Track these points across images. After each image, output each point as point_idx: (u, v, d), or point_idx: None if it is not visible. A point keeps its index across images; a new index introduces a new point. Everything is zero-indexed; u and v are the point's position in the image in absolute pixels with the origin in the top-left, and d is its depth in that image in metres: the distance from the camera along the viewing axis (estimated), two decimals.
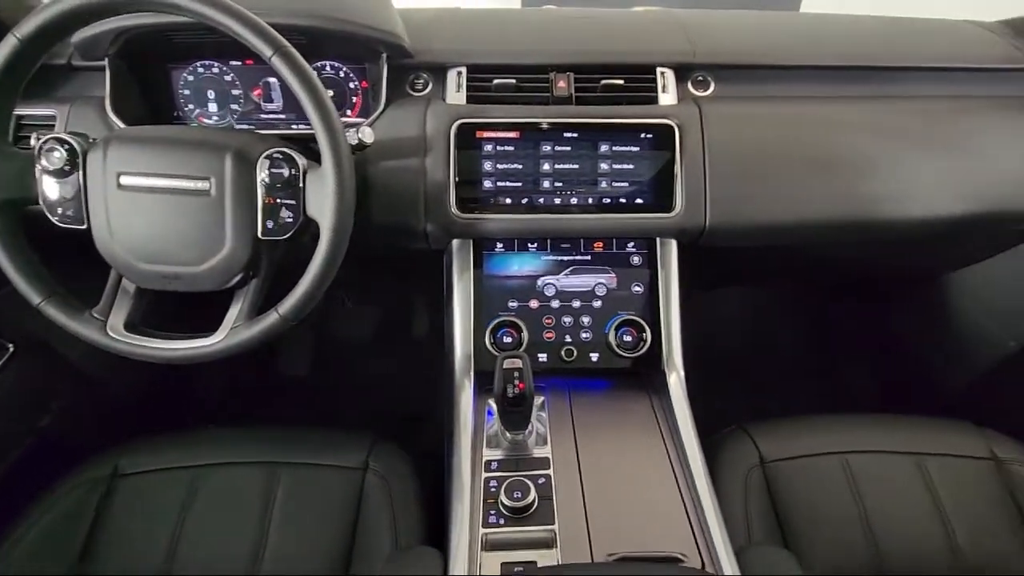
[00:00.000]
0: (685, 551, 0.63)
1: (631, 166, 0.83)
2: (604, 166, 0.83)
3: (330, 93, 0.86)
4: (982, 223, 0.89)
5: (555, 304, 0.85)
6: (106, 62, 0.81)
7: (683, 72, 0.89)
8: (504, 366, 0.68)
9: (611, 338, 0.83)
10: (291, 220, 0.67)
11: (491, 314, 0.83)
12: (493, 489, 0.69)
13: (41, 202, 0.67)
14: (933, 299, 1.22)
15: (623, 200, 0.84)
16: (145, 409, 1.23)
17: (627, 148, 0.83)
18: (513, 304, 0.84)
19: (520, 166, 0.82)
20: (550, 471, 0.72)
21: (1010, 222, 0.91)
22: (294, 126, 0.88)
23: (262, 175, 0.66)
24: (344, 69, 0.87)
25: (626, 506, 0.69)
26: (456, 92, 0.84)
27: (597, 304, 0.85)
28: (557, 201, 0.83)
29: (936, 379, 1.24)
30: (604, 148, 0.83)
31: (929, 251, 1.08)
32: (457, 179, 0.81)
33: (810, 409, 0.92)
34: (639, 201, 0.84)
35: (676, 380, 0.82)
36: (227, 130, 0.87)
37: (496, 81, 0.84)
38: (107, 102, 0.80)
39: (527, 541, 0.65)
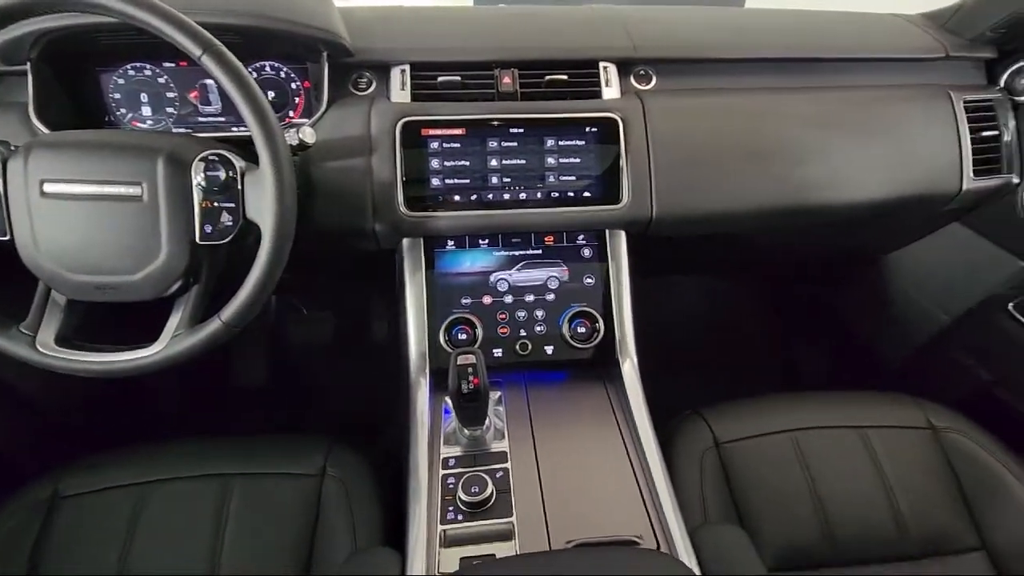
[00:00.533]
0: (641, 534, 0.65)
1: (578, 160, 0.84)
2: (551, 160, 0.84)
3: (271, 94, 0.86)
4: (909, 205, 0.94)
5: (508, 299, 0.85)
6: (28, 66, 0.77)
7: (625, 67, 0.90)
8: (458, 362, 0.67)
9: (565, 330, 0.84)
10: (231, 224, 0.65)
11: (445, 312, 0.83)
12: (451, 486, 0.69)
13: None
14: (874, 280, 1.27)
15: (571, 194, 0.85)
16: (89, 427, 1.18)
17: (573, 142, 0.84)
18: (466, 301, 0.84)
19: (467, 163, 0.83)
20: (508, 464, 0.72)
21: (933, 203, 0.96)
22: (234, 128, 0.86)
23: (198, 178, 0.64)
24: (285, 69, 0.86)
25: (583, 494, 0.70)
26: (400, 90, 0.83)
27: (550, 297, 0.86)
28: (506, 197, 0.84)
29: (879, 355, 1.30)
30: (550, 143, 0.84)
31: (864, 234, 1.13)
32: (404, 178, 0.81)
33: (764, 390, 0.96)
34: (587, 194, 0.85)
35: (630, 368, 0.84)
36: (158, 133, 0.84)
37: (441, 78, 0.84)
38: (31, 108, 0.77)
39: (485, 535, 0.65)
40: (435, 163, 0.82)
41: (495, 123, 0.83)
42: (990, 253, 1.03)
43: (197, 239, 0.65)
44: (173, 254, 0.64)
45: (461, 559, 0.62)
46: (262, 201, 0.63)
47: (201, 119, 0.86)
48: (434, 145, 0.82)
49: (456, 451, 0.74)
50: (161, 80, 0.84)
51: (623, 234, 0.88)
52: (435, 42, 0.88)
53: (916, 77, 0.98)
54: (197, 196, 0.64)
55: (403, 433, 0.80)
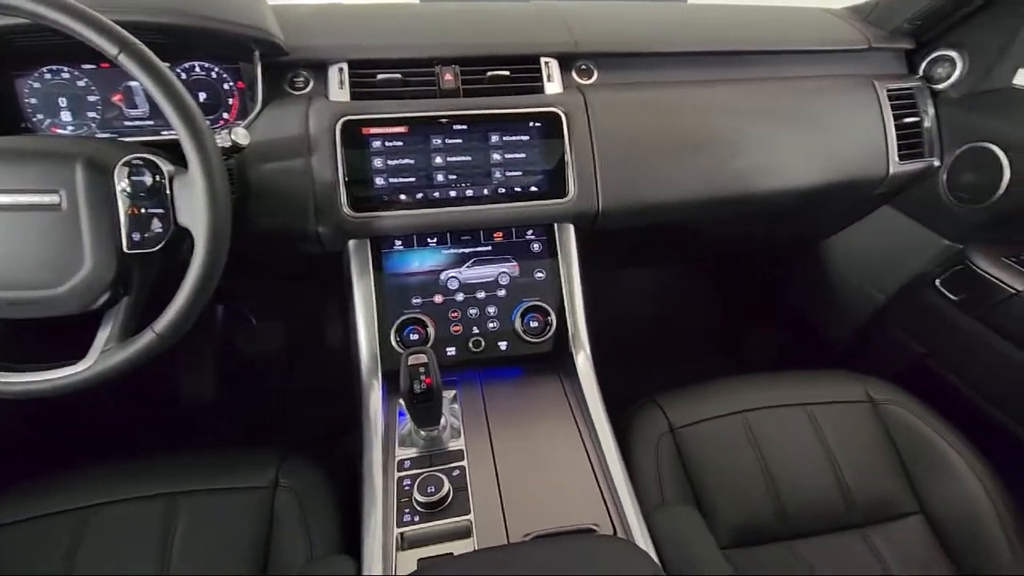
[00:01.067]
0: (598, 521, 0.66)
1: (523, 155, 0.85)
2: (496, 156, 0.84)
3: (203, 96, 0.83)
4: (841, 190, 0.98)
5: (460, 297, 0.85)
6: None
7: (567, 62, 0.91)
8: (409, 363, 0.67)
9: (518, 325, 0.84)
10: (161, 230, 0.62)
11: (395, 312, 0.82)
12: (407, 487, 0.68)
13: None
14: (814, 264, 1.33)
15: (518, 189, 0.85)
16: (25, 450, 1.11)
17: (517, 137, 0.84)
18: (417, 301, 0.83)
19: (412, 161, 0.82)
20: (464, 462, 0.72)
21: (863, 187, 1.01)
22: (164, 132, 0.82)
23: (122, 184, 0.61)
24: (216, 70, 0.83)
25: (540, 487, 0.70)
26: (339, 89, 0.82)
27: (501, 293, 0.86)
28: (452, 194, 0.83)
29: (824, 335, 1.36)
30: (495, 139, 0.84)
31: (802, 219, 1.18)
32: (347, 178, 0.79)
33: (717, 375, 0.98)
34: (534, 189, 0.85)
35: (584, 359, 0.85)
36: (77, 138, 0.80)
37: (381, 76, 0.83)
38: None
39: (443, 534, 0.64)
40: (378, 162, 0.81)
41: (439, 120, 0.82)
42: (918, 234, 1.09)
43: (125, 248, 0.61)
44: (99, 264, 0.61)
45: (419, 560, 0.62)
46: (193, 206, 0.60)
47: (127, 123, 0.82)
48: (376, 144, 0.80)
49: (412, 452, 0.74)
50: (81, 83, 0.80)
51: (572, 227, 0.89)
52: (374, 39, 0.87)
53: (842, 68, 1.03)
54: (123, 203, 0.61)
55: (358, 438, 0.79)
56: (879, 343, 1.20)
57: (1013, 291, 0.92)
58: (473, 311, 0.85)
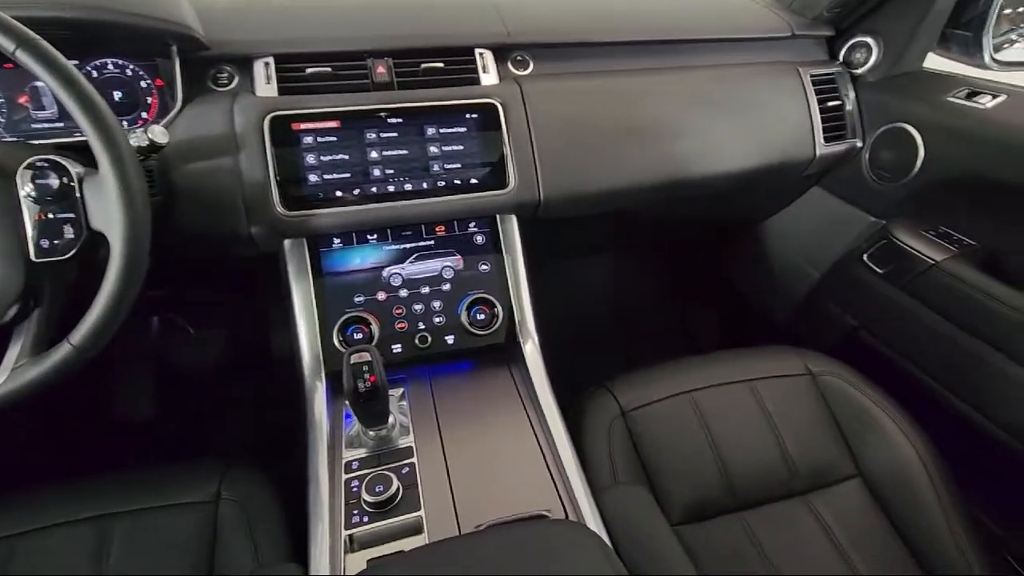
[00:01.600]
0: (550, 507, 0.66)
1: (461, 147, 0.84)
2: (434, 149, 0.83)
3: (118, 95, 0.78)
4: (772, 172, 1.02)
5: (403, 293, 0.83)
6: None
7: (502, 52, 0.91)
8: (351, 361, 0.65)
9: (464, 319, 0.84)
10: (73, 236, 0.58)
11: (337, 312, 0.80)
12: (355, 488, 0.67)
13: None
14: (755, 245, 1.38)
15: (458, 181, 0.84)
16: None
17: (454, 129, 0.84)
18: (359, 299, 0.82)
19: (346, 156, 0.80)
20: (414, 459, 0.71)
21: (793, 169, 1.05)
22: (76, 134, 0.77)
23: (26, 188, 0.57)
24: (132, 67, 0.78)
25: (492, 477, 0.70)
26: (266, 84, 0.79)
27: (446, 287, 0.85)
28: (390, 189, 0.82)
29: (766, 313, 1.41)
30: (431, 131, 0.83)
31: (740, 202, 1.22)
32: (279, 176, 0.76)
33: (667, 357, 1.00)
34: (474, 181, 0.85)
35: (532, 348, 0.85)
36: None
37: (310, 70, 0.80)
38: None
39: (394, 532, 0.63)
40: (311, 158, 0.78)
41: (373, 114, 0.80)
42: (846, 212, 1.15)
43: (33, 256, 0.57)
44: (3, 275, 0.56)
45: (368, 561, 0.60)
46: (107, 208, 0.57)
47: (36, 126, 0.77)
48: (308, 140, 0.78)
49: (361, 453, 0.72)
50: None
51: (514, 218, 0.89)
52: (301, 32, 0.84)
53: (768, 55, 1.07)
54: (28, 208, 0.57)
55: (303, 442, 0.77)
56: (816, 318, 1.25)
57: (932, 261, 0.98)
58: (418, 307, 0.83)
